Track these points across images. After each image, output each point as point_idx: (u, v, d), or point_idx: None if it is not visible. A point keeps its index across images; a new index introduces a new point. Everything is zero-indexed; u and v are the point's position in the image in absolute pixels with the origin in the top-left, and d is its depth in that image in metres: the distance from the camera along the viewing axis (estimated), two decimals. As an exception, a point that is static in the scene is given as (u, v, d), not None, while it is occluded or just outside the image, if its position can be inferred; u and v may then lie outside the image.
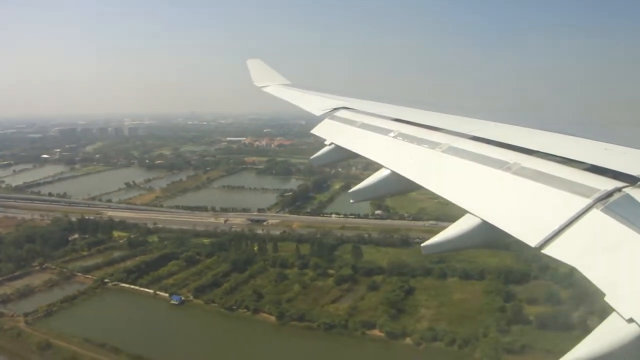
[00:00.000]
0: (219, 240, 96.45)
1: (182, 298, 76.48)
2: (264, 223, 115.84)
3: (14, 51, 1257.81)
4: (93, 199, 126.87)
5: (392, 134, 6.47)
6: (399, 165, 5.45)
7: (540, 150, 4.29)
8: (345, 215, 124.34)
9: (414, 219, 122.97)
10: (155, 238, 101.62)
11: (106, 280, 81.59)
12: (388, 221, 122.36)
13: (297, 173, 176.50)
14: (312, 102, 10.31)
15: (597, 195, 3.24)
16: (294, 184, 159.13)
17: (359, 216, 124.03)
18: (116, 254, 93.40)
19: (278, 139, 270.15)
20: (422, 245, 4.12)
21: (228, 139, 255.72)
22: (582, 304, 75.29)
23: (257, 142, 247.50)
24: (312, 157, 7.68)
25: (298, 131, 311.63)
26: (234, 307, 74.12)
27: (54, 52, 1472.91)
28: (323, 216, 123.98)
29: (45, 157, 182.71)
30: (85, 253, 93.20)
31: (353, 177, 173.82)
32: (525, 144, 4.54)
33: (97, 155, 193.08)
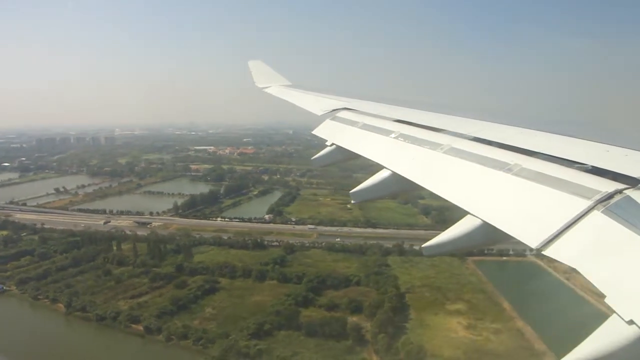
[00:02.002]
0: (75, 239, 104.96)
1: (4, 287, 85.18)
2: (148, 225, 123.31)
3: (13, 57, 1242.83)
4: (12, 202, 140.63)
5: (393, 135, 6.47)
6: (399, 166, 5.47)
7: (541, 152, 4.30)
8: (230, 219, 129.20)
9: (297, 223, 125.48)
10: (35, 237, 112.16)
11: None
12: (271, 225, 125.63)
13: (230, 180, 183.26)
14: (313, 103, 10.33)
15: (597, 197, 3.26)
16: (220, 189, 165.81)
17: (243, 220, 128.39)
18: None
19: (249, 148, 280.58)
20: (422, 246, 4.13)
21: (195, 148, 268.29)
22: (377, 312, 74.68)
23: (220, 151, 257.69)
24: (313, 158, 7.68)
25: (279, 140, 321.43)
26: (39, 297, 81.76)
27: (53, 60, 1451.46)
28: (209, 220, 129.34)
29: (5, 165, 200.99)
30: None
31: (282, 184, 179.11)
32: (527, 145, 4.55)
33: (54, 164, 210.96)
